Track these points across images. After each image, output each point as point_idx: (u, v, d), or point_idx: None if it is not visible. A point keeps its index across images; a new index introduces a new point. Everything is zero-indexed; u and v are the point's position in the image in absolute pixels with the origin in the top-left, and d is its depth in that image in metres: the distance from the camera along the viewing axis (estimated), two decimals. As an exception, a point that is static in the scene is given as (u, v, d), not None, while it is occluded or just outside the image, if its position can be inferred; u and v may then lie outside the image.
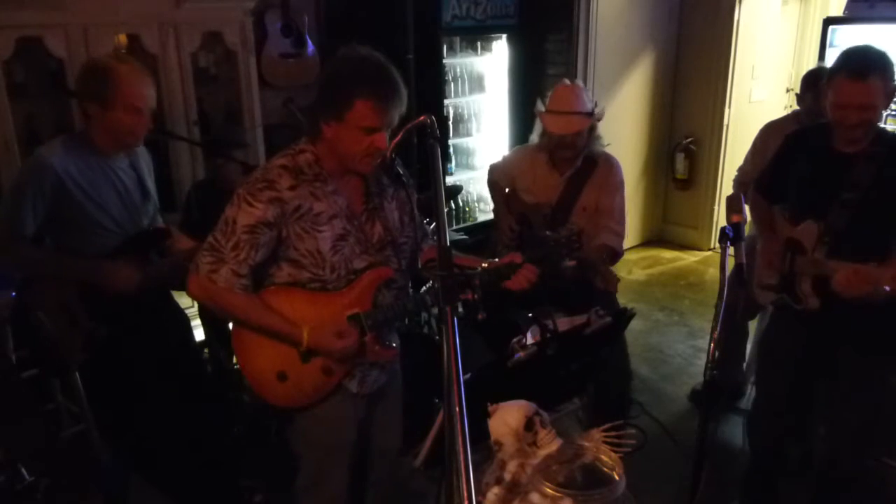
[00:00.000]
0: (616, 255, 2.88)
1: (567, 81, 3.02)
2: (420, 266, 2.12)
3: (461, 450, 1.01)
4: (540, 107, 2.94)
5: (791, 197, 2.40)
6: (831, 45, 4.65)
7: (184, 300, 3.58)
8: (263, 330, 1.85)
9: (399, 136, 1.73)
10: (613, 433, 1.52)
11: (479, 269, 1.94)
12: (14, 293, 2.43)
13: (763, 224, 2.54)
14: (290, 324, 1.82)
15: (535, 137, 3.00)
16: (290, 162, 1.81)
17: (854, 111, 2.10)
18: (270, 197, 1.75)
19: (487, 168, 3.30)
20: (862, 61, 2.10)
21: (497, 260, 1.99)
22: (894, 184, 2.12)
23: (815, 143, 2.31)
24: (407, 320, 3.57)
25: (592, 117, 2.81)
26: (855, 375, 2.31)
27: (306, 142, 1.85)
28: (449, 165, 5.28)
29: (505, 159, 3.27)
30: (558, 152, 2.86)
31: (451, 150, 5.30)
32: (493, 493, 1.51)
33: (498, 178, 3.18)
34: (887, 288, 1.96)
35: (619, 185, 2.92)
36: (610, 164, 2.90)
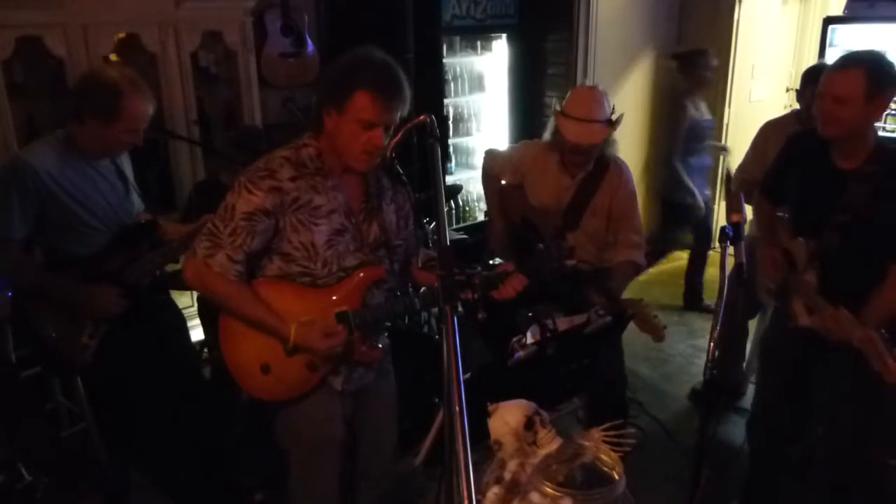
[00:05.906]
0: (639, 269, 2.82)
1: (588, 84, 2.91)
2: (419, 265, 2.12)
3: (461, 450, 1.01)
4: (556, 106, 2.86)
5: (790, 204, 2.37)
6: (831, 45, 4.64)
7: (183, 299, 3.59)
8: (252, 321, 1.84)
9: (399, 136, 1.73)
10: (613, 433, 1.52)
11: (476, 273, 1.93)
12: (10, 293, 2.43)
13: (763, 227, 2.50)
14: (278, 319, 1.82)
15: (547, 135, 2.91)
16: (292, 154, 1.83)
17: None
18: (270, 186, 1.77)
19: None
20: None
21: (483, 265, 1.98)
22: (887, 206, 2.06)
23: (812, 153, 2.25)
24: (407, 319, 3.57)
25: (612, 127, 2.71)
26: (852, 376, 2.27)
27: (309, 136, 1.86)
28: (449, 165, 5.29)
29: (511, 151, 3.12)
30: (571, 157, 2.77)
31: (451, 149, 5.30)
32: (493, 492, 1.50)
33: (499, 169, 3.03)
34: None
35: (634, 193, 2.84)
36: (621, 170, 2.81)
